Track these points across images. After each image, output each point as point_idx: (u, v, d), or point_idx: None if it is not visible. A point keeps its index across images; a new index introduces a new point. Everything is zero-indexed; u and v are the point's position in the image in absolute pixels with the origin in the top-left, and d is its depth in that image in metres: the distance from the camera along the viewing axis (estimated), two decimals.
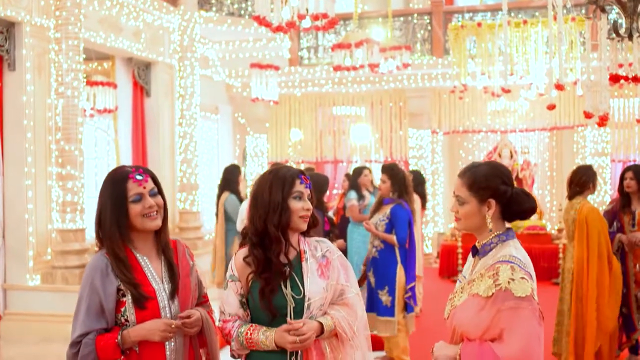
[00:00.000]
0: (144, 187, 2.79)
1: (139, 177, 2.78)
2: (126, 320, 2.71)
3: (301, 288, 2.79)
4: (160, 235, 2.88)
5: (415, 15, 13.26)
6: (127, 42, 9.74)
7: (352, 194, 8.27)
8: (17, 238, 7.71)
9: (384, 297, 6.05)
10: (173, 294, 2.81)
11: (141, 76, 10.43)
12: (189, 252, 3.00)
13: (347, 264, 2.98)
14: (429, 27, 13.08)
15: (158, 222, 2.82)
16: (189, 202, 10.84)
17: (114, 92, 9.93)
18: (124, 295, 2.71)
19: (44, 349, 7.21)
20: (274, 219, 2.77)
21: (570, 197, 6.07)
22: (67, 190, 7.78)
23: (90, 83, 9.64)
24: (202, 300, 3.03)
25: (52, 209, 7.93)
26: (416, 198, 7.67)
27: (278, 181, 2.81)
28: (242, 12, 11.79)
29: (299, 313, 2.77)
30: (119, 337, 2.67)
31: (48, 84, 7.91)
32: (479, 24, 10.53)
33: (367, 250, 6.42)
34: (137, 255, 2.81)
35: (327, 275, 2.85)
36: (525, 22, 10.07)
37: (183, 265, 2.90)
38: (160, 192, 2.86)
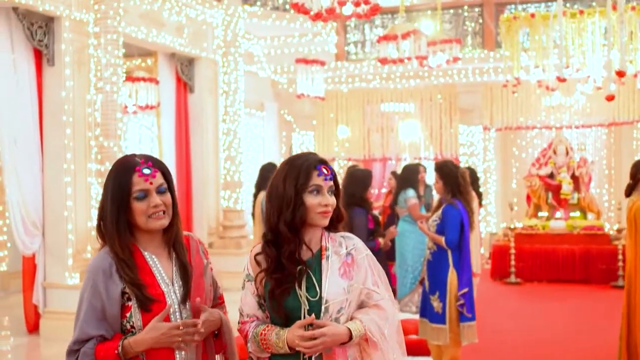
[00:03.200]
0: (151, 183, 2.46)
1: (146, 171, 2.45)
2: (132, 326, 2.42)
3: (318, 289, 2.49)
4: (169, 233, 2.56)
5: (466, 7, 12.84)
6: (169, 37, 9.60)
7: (411, 192, 7.89)
8: (57, 236, 7.61)
9: (435, 303, 5.68)
10: (185, 297, 2.51)
11: (184, 72, 10.29)
12: (203, 248, 2.69)
13: (378, 266, 2.65)
14: (480, 20, 12.65)
15: (164, 222, 2.50)
16: (233, 200, 10.66)
17: (156, 87, 9.80)
18: (129, 299, 2.42)
19: None
20: (287, 215, 2.48)
21: (626, 193, 5.63)
22: None
23: (132, 79, 9.52)
24: (218, 302, 2.74)
25: (92, 207, 7.81)
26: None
27: (292, 173, 2.51)
28: (287, 6, 11.56)
29: (315, 317, 2.47)
30: (119, 349, 2.38)
31: (87, 79, 7.79)
32: (532, 15, 10.13)
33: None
34: (145, 253, 2.51)
35: (351, 275, 2.54)
36: (581, 12, 9.62)
37: (196, 264, 2.59)
38: (170, 188, 2.54)
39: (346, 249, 2.58)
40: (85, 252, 7.78)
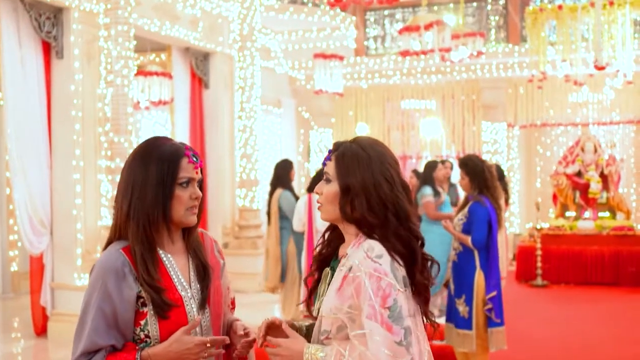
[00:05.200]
0: (197, 172, 2.21)
1: (194, 159, 2.20)
2: (147, 335, 2.12)
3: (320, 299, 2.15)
4: (191, 231, 2.27)
5: (490, 0, 12.44)
6: (183, 30, 9.31)
7: (427, 190, 7.62)
8: (65, 235, 7.32)
9: (461, 307, 5.33)
10: (204, 302, 2.22)
11: (199, 67, 10.00)
12: (217, 247, 2.39)
13: (387, 293, 1.96)
14: (505, 12, 12.24)
15: (195, 218, 2.23)
16: (249, 199, 10.34)
17: (170, 82, 9.53)
18: (144, 305, 2.11)
19: None
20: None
21: None
22: (116, 184, 7.31)
23: (145, 73, 9.24)
24: (229, 308, 2.43)
25: (102, 205, 7.52)
26: None
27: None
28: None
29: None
30: None
31: (97, 72, 7.51)
32: (560, 7, 9.74)
33: (448, 252, 5.73)
34: (160, 252, 2.20)
35: (343, 294, 2.02)
36: (611, 3, 9.22)
37: (212, 265, 2.29)
38: (202, 183, 2.28)
39: (351, 261, 2.05)
40: (95, 252, 7.49)
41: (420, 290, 2.06)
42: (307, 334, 2.17)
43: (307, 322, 2.23)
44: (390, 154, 2.14)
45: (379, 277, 1.96)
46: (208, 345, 2.12)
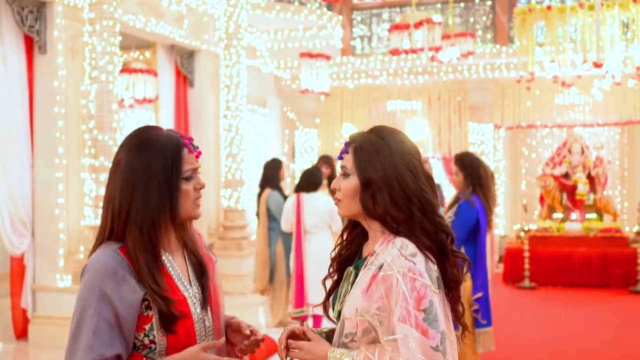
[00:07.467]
0: (197, 161, 2.03)
1: (194, 148, 2.02)
2: (151, 341, 1.93)
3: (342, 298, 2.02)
4: (184, 225, 2.09)
5: (477, 0, 12.36)
6: (169, 27, 9.13)
7: None
8: (47, 235, 7.11)
9: None
10: (205, 302, 2.06)
11: (184, 65, 9.83)
12: (205, 242, 2.23)
13: (422, 294, 1.83)
14: (491, 14, 12.18)
15: (200, 212, 2.07)
16: (234, 199, 10.18)
17: (154, 80, 9.35)
18: (148, 308, 1.92)
19: None
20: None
21: None
22: (100, 183, 7.16)
23: (129, 70, 9.06)
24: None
25: (85, 204, 7.34)
26: None
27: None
28: None
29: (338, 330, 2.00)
30: None
31: (81, 68, 7.32)
32: (549, 8, 9.71)
33: None
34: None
35: (370, 295, 1.88)
36: (600, 4, 9.18)
37: (207, 261, 2.13)
38: None
39: (383, 259, 1.91)
40: (77, 252, 7.32)
41: (450, 286, 1.95)
42: (326, 339, 2.05)
43: (327, 328, 2.12)
44: (410, 142, 2.01)
45: (414, 278, 1.83)
46: None
